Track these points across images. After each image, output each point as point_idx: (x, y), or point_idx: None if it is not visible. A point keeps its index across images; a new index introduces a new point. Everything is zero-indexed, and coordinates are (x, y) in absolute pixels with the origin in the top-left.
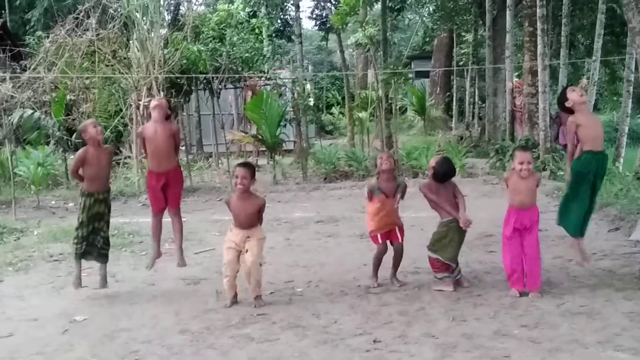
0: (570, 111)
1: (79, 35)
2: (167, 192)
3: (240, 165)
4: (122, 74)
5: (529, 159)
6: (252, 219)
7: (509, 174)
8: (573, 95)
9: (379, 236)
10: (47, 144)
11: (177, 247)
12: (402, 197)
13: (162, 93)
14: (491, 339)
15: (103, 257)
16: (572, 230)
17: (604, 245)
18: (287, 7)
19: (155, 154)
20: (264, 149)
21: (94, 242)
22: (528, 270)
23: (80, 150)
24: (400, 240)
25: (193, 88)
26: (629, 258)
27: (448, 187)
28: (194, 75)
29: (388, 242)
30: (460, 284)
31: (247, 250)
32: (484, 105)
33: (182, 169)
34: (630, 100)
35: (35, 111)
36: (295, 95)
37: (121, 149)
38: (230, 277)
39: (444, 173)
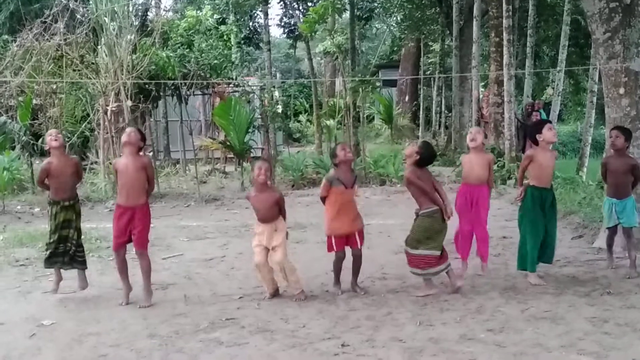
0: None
1: (47, 39)
2: (133, 230)
3: (261, 160)
4: (90, 79)
5: (478, 130)
6: (273, 212)
7: (464, 156)
8: (548, 135)
9: (334, 242)
10: (13, 148)
11: (143, 287)
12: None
13: (129, 98)
14: (457, 343)
15: (79, 264)
16: (530, 266)
17: (568, 252)
18: (255, 15)
19: (124, 188)
20: (232, 155)
21: (65, 249)
22: (478, 242)
23: (45, 162)
24: (359, 246)
25: (161, 94)
26: (591, 265)
27: (428, 174)
28: (162, 81)
29: (347, 247)
30: (450, 278)
31: (273, 248)
32: (450, 114)
33: (150, 208)
34: (594, 110)
35: (1, 115)
36: (264, 102)
37: (88, 154)
38: (264, 276)
39: (430, 156)
